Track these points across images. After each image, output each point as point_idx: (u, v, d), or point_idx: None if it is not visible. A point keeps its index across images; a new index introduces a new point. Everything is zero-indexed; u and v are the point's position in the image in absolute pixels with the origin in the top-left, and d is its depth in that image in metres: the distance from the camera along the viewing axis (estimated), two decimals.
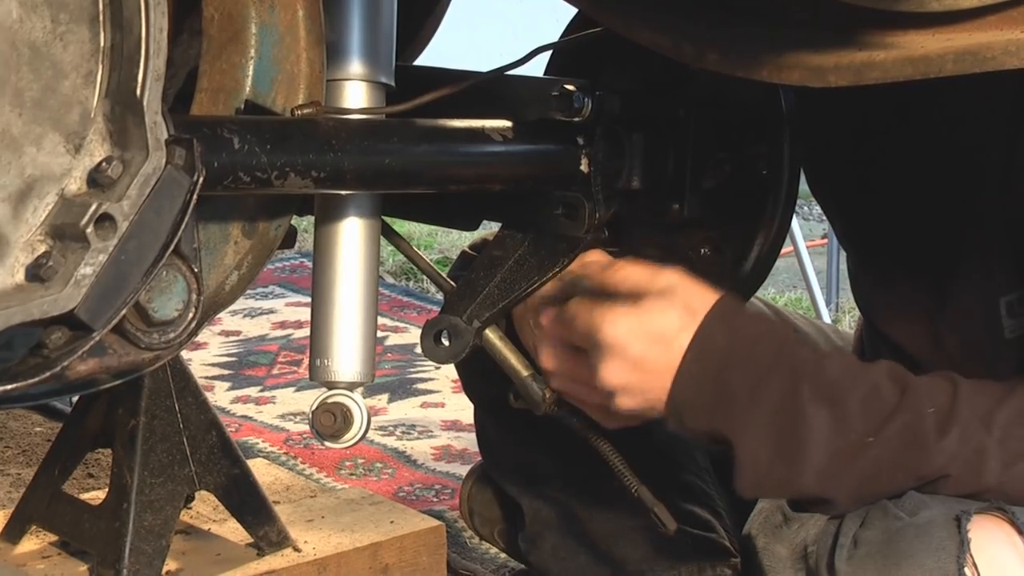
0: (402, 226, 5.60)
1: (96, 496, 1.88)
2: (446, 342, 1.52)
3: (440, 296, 1.61)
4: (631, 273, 1.40)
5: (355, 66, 1.41)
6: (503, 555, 2.28)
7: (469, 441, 2.91)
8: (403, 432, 3.08)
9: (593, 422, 1.52)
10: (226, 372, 3.60)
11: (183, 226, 1.03)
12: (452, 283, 1.58)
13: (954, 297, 1.57)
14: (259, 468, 2.19)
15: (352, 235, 1.44)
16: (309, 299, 1.48)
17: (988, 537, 1.30)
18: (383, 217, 1.50)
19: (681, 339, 1.36)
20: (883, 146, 1.65)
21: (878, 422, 1.34)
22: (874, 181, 1.68)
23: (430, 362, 1.74)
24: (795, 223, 4.37)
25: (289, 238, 1.46)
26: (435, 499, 2.64)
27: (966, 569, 1.28)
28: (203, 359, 3.70)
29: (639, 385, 1.37)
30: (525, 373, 1.54)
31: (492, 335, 1.54)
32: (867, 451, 1.33)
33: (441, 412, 3.24)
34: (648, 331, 1.35)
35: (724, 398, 1.35)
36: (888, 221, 1.67)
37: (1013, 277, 1.51)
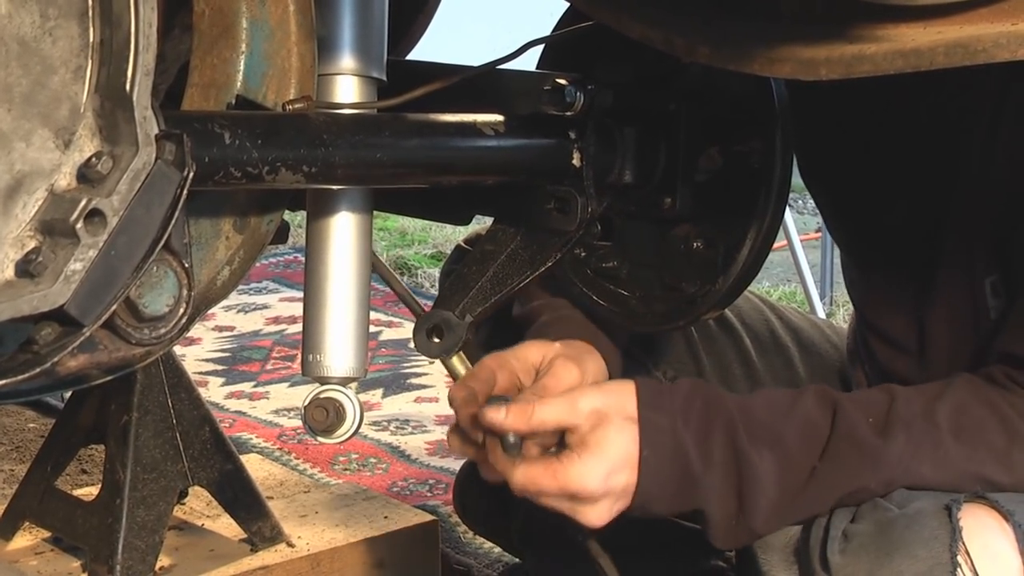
0: (395, 221, 5.61)
1: (89, 492, 1.88)
2: (439, 337, 1.52)
3: (434, 291, 1.61)
4: (549, 413, 1.37)
5: (346, 61, 1.41)
6: (497, 549, 2.28)
7: None
8: (397, 427, 3.08)
9: None
10: (220, 367, 3.60)
11: (173, 221, 1.02)
12: (423, 308, 1.58)
13: (940, 284, 1.58)
14: (252, 464, 2.19)
15: (344, 230, 1.44)
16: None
17: (979, 525, 1.31)
18: None
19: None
20: (870, 138, 1.66)
21: (818, 449, 1.37)
22: (862, 173, 1.68)
23: (424, 357, 1.74)
24: (789, 217, 4.37)
25: (281, 233, 1.46)
26: (429, 494, 2.64)
27: (959, 557, 1.28)
28: (197, 354, 3.70)
29: (620, 506, 1.38)
30: None
31: (457, 363, 1.54)
32: (816, 477, 1.37)
33: (435, 407, 3.24)
34: (617, 463, 1.36)
35: (685, 473, 1.37)
36: (875, 212, 1.67)
37: (994, 258, 1.52)
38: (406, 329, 3.90)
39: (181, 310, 1.12)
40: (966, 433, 1.38)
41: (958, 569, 1.29)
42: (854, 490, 1.38)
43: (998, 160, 1.50)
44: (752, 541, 1.42)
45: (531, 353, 1.52)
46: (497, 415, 1.36)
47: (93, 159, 0.98)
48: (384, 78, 1.44)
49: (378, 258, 1.57)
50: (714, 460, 1.37)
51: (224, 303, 1.37)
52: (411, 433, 3.04)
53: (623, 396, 1.38)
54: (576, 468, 1.35)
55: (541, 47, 1.68)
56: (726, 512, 1.38)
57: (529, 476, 1.36)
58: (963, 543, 1.29)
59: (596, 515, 1.37)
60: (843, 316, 4.28)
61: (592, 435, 1.36)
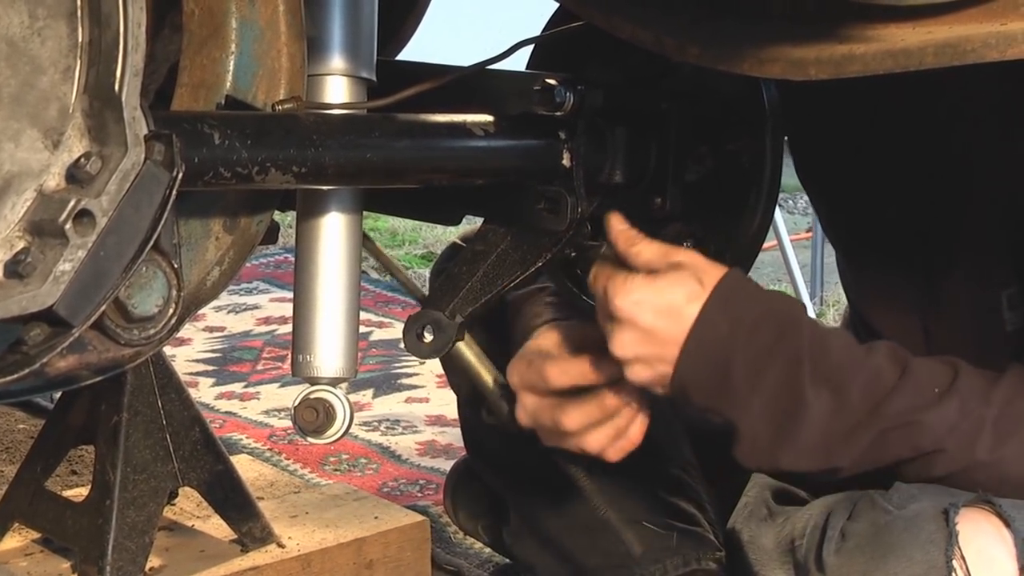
0: (386, 221, 5.61)
1: (79, 493, 1.88)
2: (429, 337, 1.51)
3: (425, 291, 1.61)
4: (645, 249, 1.42)
5: (336, 61, 1.40)
6: (487, 550, 2.28)
7: (454, 436, 2.91)
8: (387, 427, 3.08)
9: None
10: (210, 368, 3.59)
11: (163, 222, 1.02)
12: (424, 292, 1.58)
13: (948, 292, 1.58)
14: (243, 464, 2.19)
15: (334, 230, 1.44)
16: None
17: (976, 530, 1.30)
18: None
19: (689, 311, 1.38)
20: (862, 138, 1.65)
21: (877, 401, 1.37)
22: (855, 173, 1.68)
23: (415, 357, 1.74)
24: (779, 216, 4.37)
25: (271, 233, 1.45)
26: (419, 494, 2.64)
27: (954, 562, 1.28)
28: (187, 355, 3.69)
29: (649, 355, 1.40)
30: (493, 387, 1.55)
31: (465, 348, 1.54)
32: (864, 427, 1.37)
33: (426, 407, 3.24)
34: (659, 303, 1.38)
35: (725, 382, 1.38)
36: (880, 215, 1.67)
37: (1012, 271, 1.51)
38: (396, 329, 3.89)
39: (170, 311, 1.12)
40: (1005, 421, 1.36)
41: (953, 574, 1.29)
42: (895, 446, 1.38)
43: (1010, 169, 1.49)
44: (770, 470, 1.44)
45: None
46: (619, 223, 1.46)
47: (82, 159, 0.98)
48: (374, 78, 1.44)
49: (377, 246, 1.58)
50: (763, 387, 1.37)
51: (214, 303, 1.37)
52: (401, 433, 3.03)
53: (712, 270, 1.40)
54: (626, 283, 1.39)
55: (531, 47, 1.68)
56: (757, 434, 1.39)
57: (600, 266, 1.45)
58: (959, 548, 1.29)
59: (620, 343, 1.40)
60: (833, 316, 4.28)
61: (661, 274, 1.40)
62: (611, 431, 1.48)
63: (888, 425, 1.36)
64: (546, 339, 1.53)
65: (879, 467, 1.40)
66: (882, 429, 1.36)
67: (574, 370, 1.48)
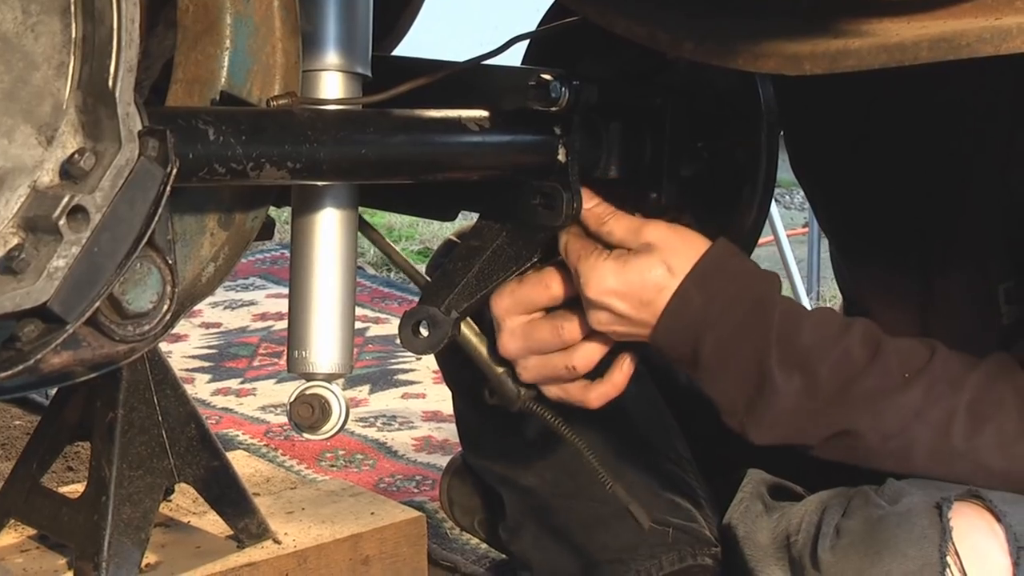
0: (382, 217, 5.61)
1: (75, 489, 1.88)
2: (424, 332, 1.52)
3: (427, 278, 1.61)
4: (617, 228, 1.46)
5: (331, 56, 1.40)
6: (484, 546, 2.28)
7: (450, 432, 2.91)
8: (384, 423, 3.08)
9: (568, 419, 1.54)
10: (206, 364, 3.59)
11: (157, 218, 1.02)
12: (426, 277, 1.58)
13: (945, 286, 1.58)
14: (239, 460, 2.19)
15: (329, 226, 1.44)
16: None
17: (970, 526, 1.31)
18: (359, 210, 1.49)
19: (659, 299, 1.43)
20: (859, 132, 1.65)
21: (844, 383, 1.39)
22: (851, 167, 1.68)
23: (411, 353, 1.73)
24: (776, 212, 4.37)
25: (267, 229, 1.45)
26: (416, 490, 2.64)
27: (948, 558, 1.28)
28: (183, 351, 3.69)
29: (625, 332, 1.47)
30: (500, 370, 1.55)
31: (467, 331, 1.54)
32: (831, 407, 1.39)
33: (422, 403, 3.24)
34: (629, 291, 1.43)
35: (697, 357, 1.43)
36: (876, 209, 1.67)
37: (1009, 264, 1.51)
38: (393, 325, 3.88)
39: (165, 307, 1.12)
40: (980, 407, 1.37)
41: (947, 570, 1.29)
42: (851, 432, 1.40)
43: (1008, 163, 1.49)
44: (742, 435, 1.45)
45: None
46: (587, 199, 1.48)
47: (76, 155, 0.98)
48: (369, 74, 1.44)
49: (378, 233, 1.58)
50: (732, 366, 1.41)
51: (210, 300, 1.37)
52: (398, 429, 3.03)
53: (684, 253, 1.44)
54: (597, 267, 1.44)
55: (526, 42, 1.68)
56: (729, 407, 1.44)
57: (573, 239, 1.48)
58: (953, 543, 1.29)
59: (597, 321, 1.46)
60: None
61: (631, 257, 1.44)
62: (606, 341, 1.51)
63: (854, 407, 1.38)
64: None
65: (853, 458, 1.42)
66: (848, 411, 1.39)
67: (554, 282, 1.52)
